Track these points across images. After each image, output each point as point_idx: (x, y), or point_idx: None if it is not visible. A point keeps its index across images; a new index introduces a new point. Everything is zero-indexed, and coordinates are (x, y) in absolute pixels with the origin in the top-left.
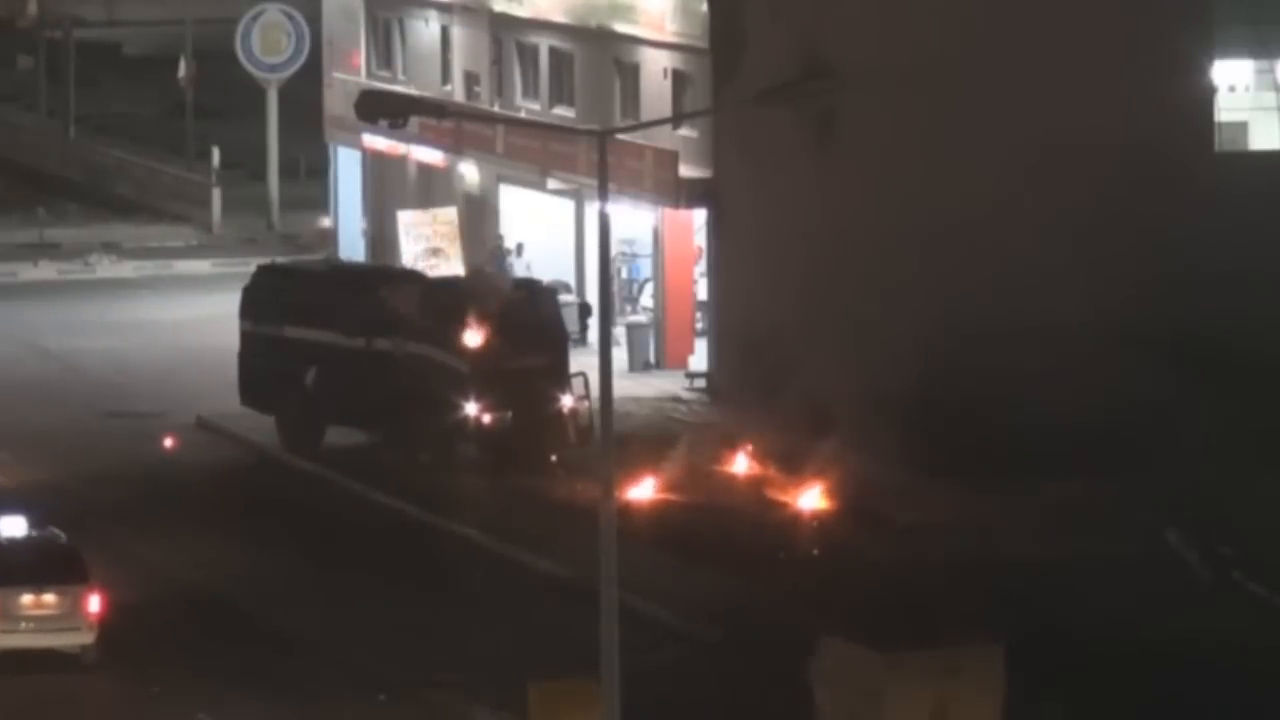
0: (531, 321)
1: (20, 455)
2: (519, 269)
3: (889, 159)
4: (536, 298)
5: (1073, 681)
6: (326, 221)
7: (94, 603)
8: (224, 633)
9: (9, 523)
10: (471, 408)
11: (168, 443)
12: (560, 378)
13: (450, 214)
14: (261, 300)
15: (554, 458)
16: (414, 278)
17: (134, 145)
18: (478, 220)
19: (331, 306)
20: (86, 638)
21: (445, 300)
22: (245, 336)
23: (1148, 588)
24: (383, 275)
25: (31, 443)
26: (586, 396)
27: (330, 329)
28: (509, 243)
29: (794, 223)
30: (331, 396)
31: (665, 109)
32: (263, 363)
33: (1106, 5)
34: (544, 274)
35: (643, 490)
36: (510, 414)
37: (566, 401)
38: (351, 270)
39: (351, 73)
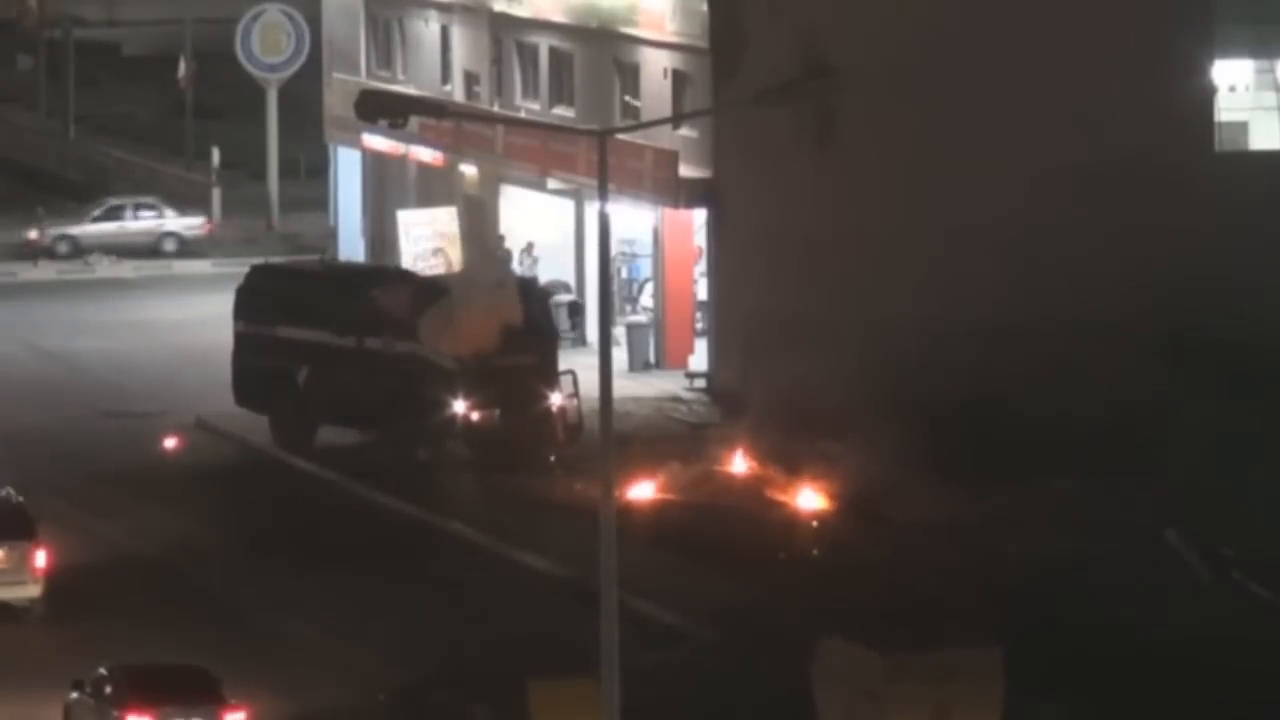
0: (520, 320)
1: (20, 454)
2: (527, 267)
3: (888, 159)
4: (525, 296)
5: (1073, 681)
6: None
7: (40, 558)
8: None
9: None
10: (460, 406)
11: (169, 444)
12: (549, 376)
13: (450, 214)
14: (255, 300)
15: (553, 458)
16: (404, 277)
17: (134, 145)
18: (478, 220)
19: (323, 306)
20: (33, 591)
21: (435, 299)
22: (239, 336)
23: (1148, 588)
24: (373, 275)
25: (31, 442)
26: (575, 395)
27: (322, 328)
28: (509, 243)
29: (794, 222)
30: (323, 396)
31: (665, 109)
32: (256, 362)
33: (1106, 5)
34: (544, 273)
35: (643, 490)
36: (498, 412)
37: (555, 400)
38: (342, 270)
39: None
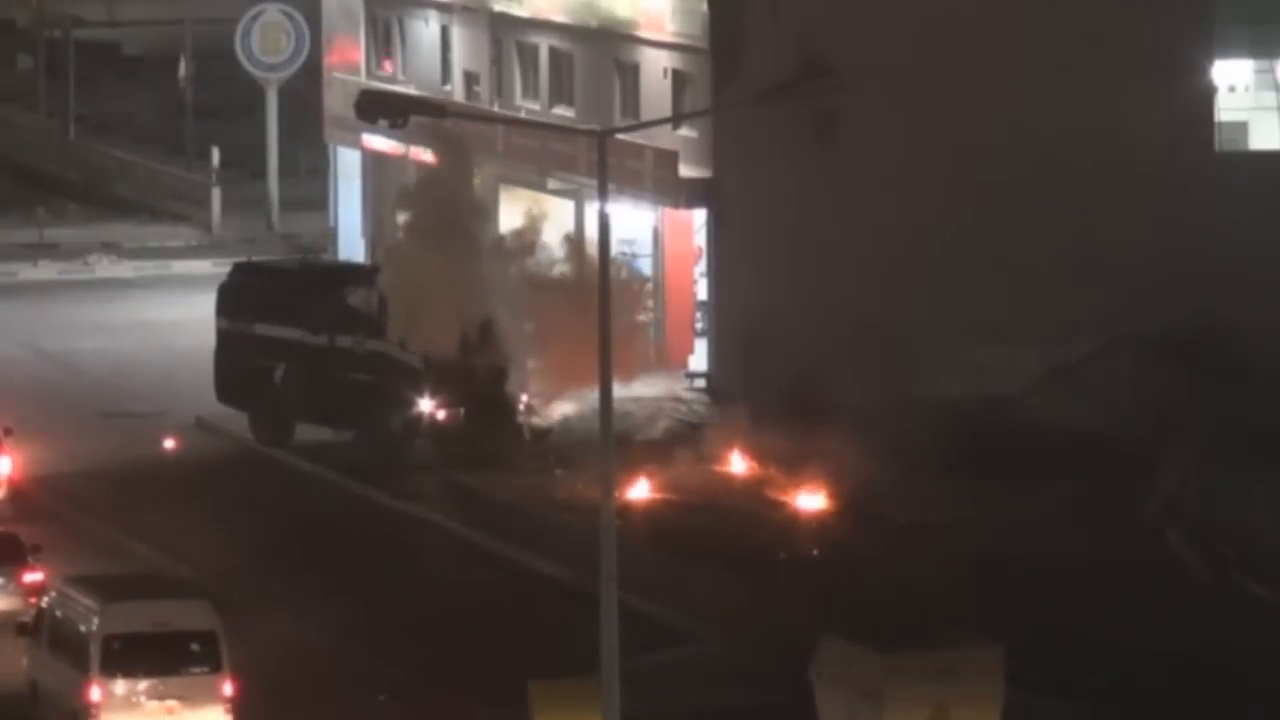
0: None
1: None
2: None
3: (888, 158)
4: None
5: (1073, 681)
6: None
7: (5, 464)
8: None
9: None
10: (426, 404)
11: (168, 444)
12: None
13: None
14: (236, 298)
15: (552, 458)
16: (375, 275)
17: (134, 145)
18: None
19: (298, 304)
20: None
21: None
22: (221, 333)
23: (1148, 588)
24: (347, 273)
25: (30, 443)
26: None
27: (297, 326)
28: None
29: (794, 222)
30: (299, 394)
31: (665, 109)
32: (236, 360)
33: (1107, 6)
34: None
35: (642, 490)
36: (463, 410)
37: (523, 399)
38: (318, 268)
39: (347, 66)
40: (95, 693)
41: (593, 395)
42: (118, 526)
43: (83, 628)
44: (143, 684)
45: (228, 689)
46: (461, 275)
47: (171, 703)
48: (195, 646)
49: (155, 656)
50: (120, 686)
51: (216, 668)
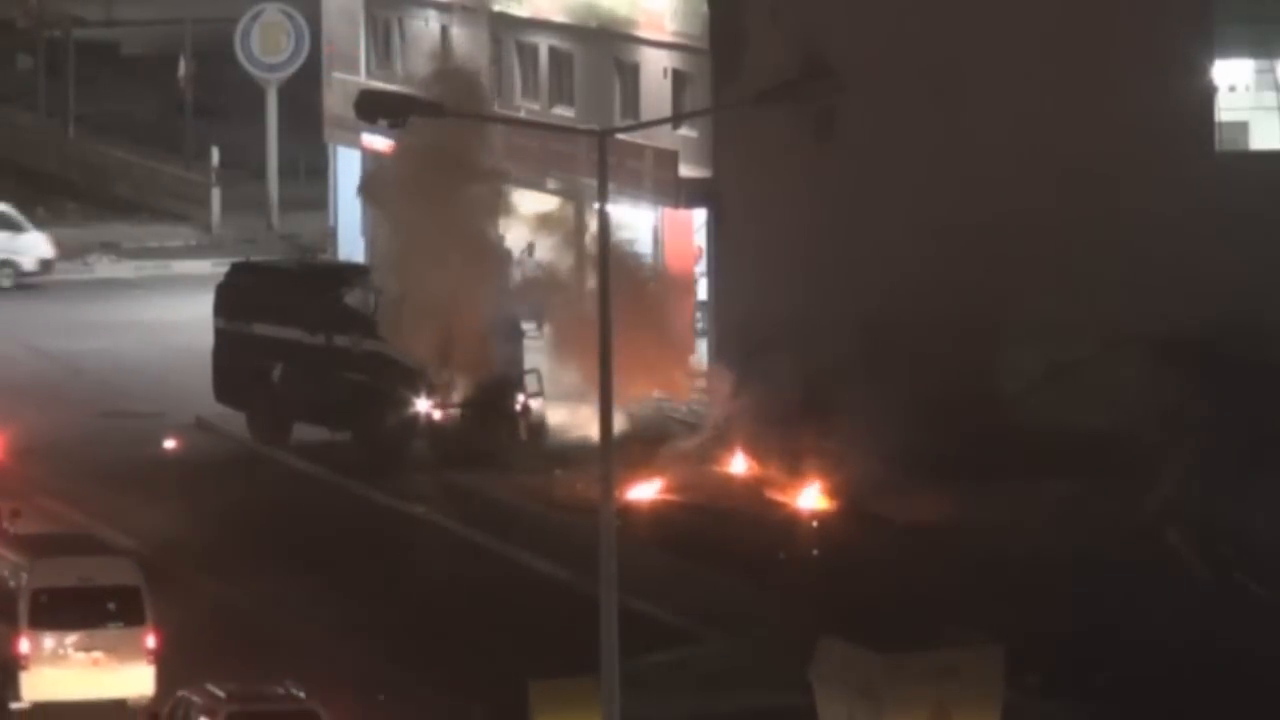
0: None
1: (18, 455)
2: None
3: (889, 159)
4: None
5: (1073, 682)
6: None
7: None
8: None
9: None
10: (423, 404)
11: (169, 443)
12: (513, 374)
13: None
14: (233, 298)
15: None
16: (370, 274)
17: (133, 145)
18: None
19: (295, 304)
20: None
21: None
22: (219, 333)
23: (1147, 588)
24: (345, 273)
25: (29, 442)
26: (540, 393)
27: (294, 326)
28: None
29: (794, 222)
30: (296, 393)
31: (665, 109)
32: (234, 360)
33: (1107, 5)
34: None
35: (643, 490)
36: (460, 410)
37: (519, 398)
38: (315, 268)
39: (347, 66)
40: (24, 645)
41: (642, 403)
42: (88, 509)
43: (12, 583)
44: (70, 637)
45: (151, 642)
46: (461, 245)
47: (97, 654)
48: (119, 601)
49: (81, 610)
50: (48, 639)
51: (140, 622)
